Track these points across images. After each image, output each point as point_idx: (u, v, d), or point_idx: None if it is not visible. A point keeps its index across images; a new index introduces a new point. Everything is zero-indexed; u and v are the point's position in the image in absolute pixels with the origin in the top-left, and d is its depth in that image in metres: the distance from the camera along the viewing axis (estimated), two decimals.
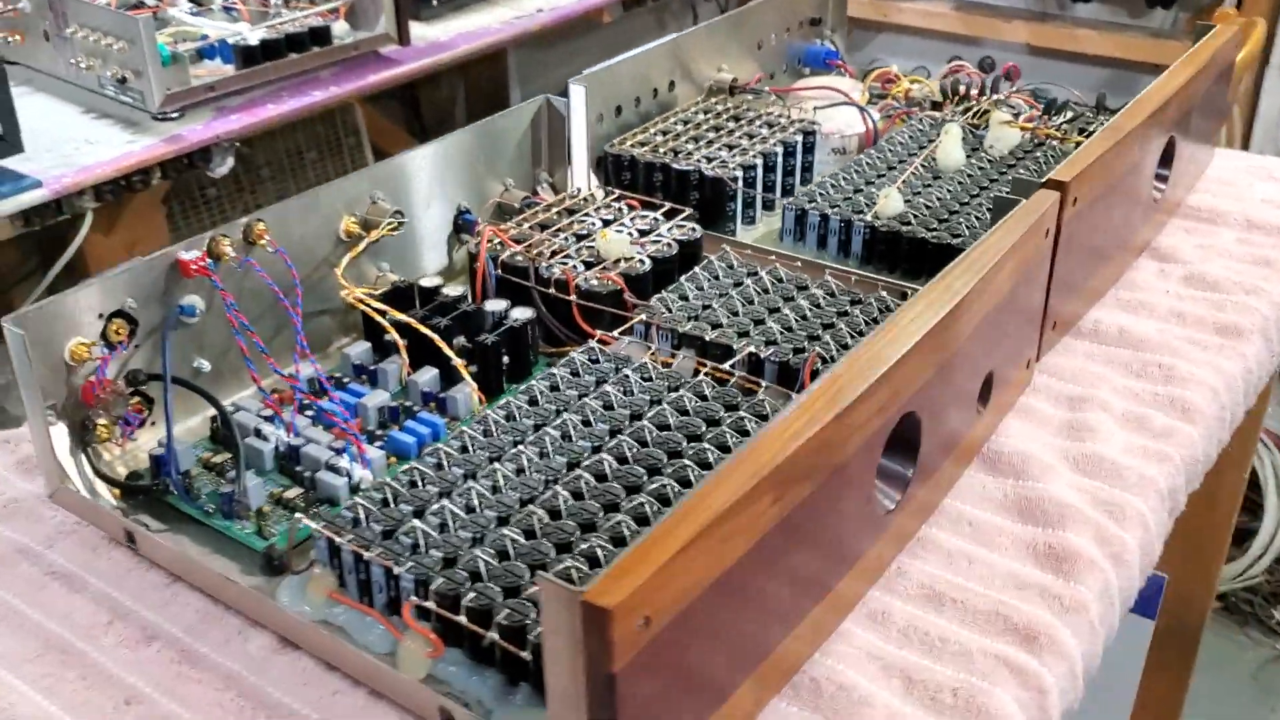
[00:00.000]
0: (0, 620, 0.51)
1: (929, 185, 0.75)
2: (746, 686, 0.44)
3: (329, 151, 1.66)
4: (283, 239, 0.61)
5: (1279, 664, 1.58)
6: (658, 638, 0.37)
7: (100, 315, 0.55)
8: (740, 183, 0.76)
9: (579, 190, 0.74)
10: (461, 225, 0.72)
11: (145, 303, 0.56)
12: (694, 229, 0.69)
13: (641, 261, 0.66)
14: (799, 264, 0.66)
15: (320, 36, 1.22)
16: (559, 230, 0.69)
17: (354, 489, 0.53)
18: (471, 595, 0.45)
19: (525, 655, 0.43)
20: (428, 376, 0.60)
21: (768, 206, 0.79)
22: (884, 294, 0.63)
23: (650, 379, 0.57)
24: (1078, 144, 0.71)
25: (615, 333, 0.61)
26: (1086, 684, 0.51)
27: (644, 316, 0.62)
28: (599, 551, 0.46)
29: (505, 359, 0.61)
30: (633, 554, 0.37)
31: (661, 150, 0.78)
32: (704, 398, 0.55)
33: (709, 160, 0.77)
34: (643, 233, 0.69)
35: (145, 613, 0.51)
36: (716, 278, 0.65)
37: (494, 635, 0.44)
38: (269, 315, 0.61)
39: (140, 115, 1.14)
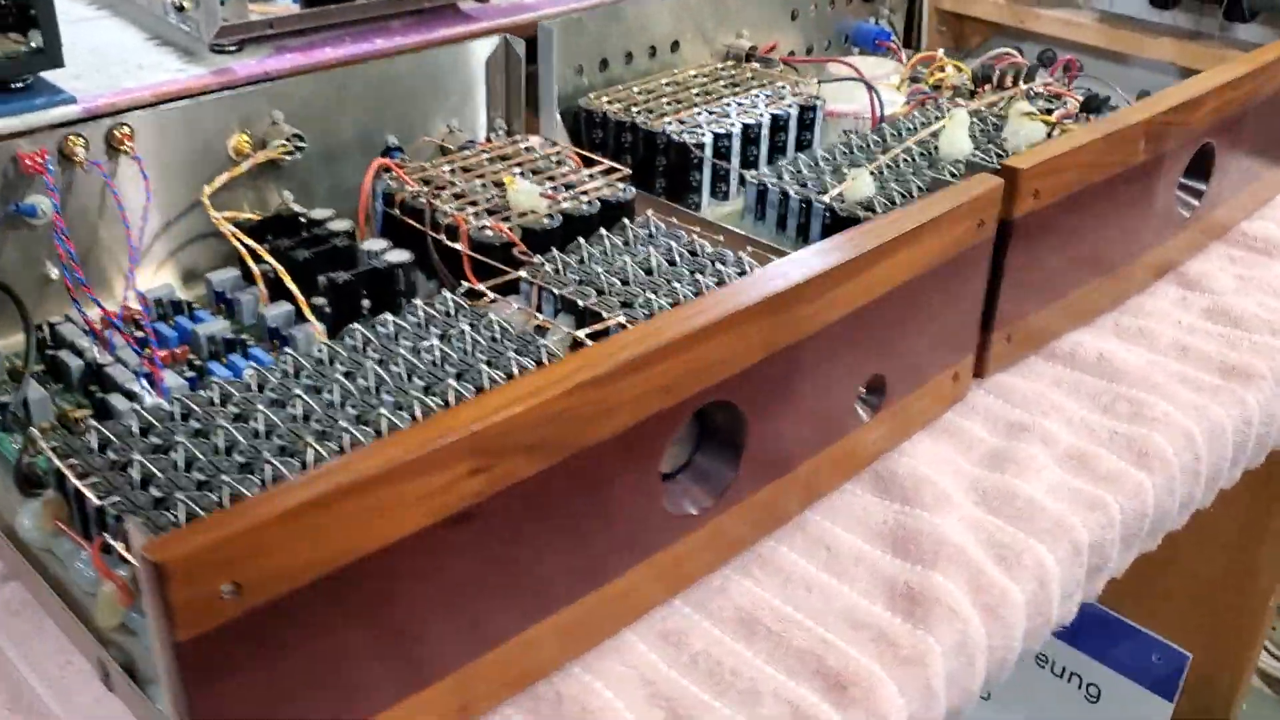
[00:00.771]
0: None
1: (916, 172, 0.66)
2: (440, 687, 0.37)
3: None
4: (155, 150, 0.57)
5: None
6: (256, 615, 0.31)
7: None
8: (707, 151, 0.68)
9: (518, 139, 0.68)
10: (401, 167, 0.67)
11: None
12: (626, 190, 0.63)
13: (550, 217, 0.60)
14: (721, 238, 0.59)
15: None
16: (479, 176, 0.63)
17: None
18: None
19: None
20: (279, 311, 0.55)
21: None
22: None
23: (496, 339, 0.50)
24: None
25: (487, 286, 0.55)
26: None
27: (526, 274, 0.56)
28: None
29: (367, 302, 0.56)
30: (235, 508, 0.31)
31: (635, 110, 0.71)
32: (540, 364, 0.49)
33: (681, 124, 0.70)
34: (568, 187, 0.62)
35: None
36: (626, 244, 0.59)
37: None
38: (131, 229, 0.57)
39: (199, 46, 1.13)
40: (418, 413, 0.44)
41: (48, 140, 0.54)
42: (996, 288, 0.55)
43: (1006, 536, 0.49)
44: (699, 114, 0.71)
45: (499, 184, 0.62)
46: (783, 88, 0.76)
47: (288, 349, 0.50)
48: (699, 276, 0.55)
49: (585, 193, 0.62)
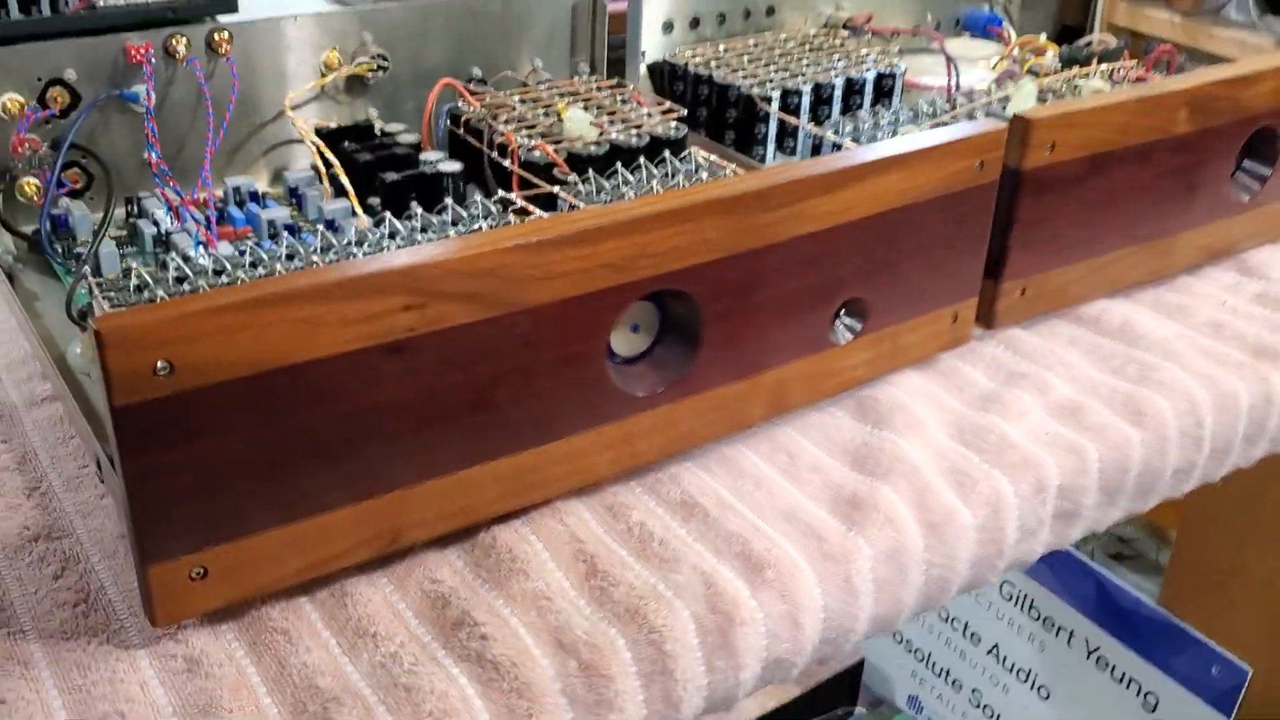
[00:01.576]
0: None
1: None
2: (376, 504, 0.41)
3: None
4: (248, 57, 0.63)
5: None
6: (190, 397, 0.36)
7: (39, 79, 0.59)
8: (774, 105, 0.71)
9: (592, 80, 0.72)
10: (475, 94, 0.72)
11: (88, 78, 0.60)
12: (678, 128, 0.66)
13: (597, 144, 0.63)
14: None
15: None
16: (545, 107, 0.67)
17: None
18: None
19: None
20: (336, 205, 0.60)
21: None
22: None
23: None
24: None
25: (523, 196, 0.59)
26: (821, 646, 0.45)
27: (559, 190, 0.60)
28: None
29: (415, 203, 0.60)
30: (178, 300, 0.36)
31: (715, 65, 0.75)
32: None
33: (754, 79, 0.73)
34: (625, 122, 0.66)
35: None
36: (667, 175, 0.62)
37: None
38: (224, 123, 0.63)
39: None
40: None
41: (154, 36, 0.61)
42: (1005, 237, 0.56)
43: (968, 465, 0.50)
44: (776, 72, 0.74)
45: (559, 115, 0.66)
46: (867, 54, 0.78)
47: (321, 228, 0.55)
48: None
49: (638, 127, 0.66)
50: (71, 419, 0.49)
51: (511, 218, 0.56)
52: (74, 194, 0.61)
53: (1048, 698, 1.00)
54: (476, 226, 0.54)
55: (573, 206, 0.58)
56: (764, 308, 0.48)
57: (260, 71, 0.64)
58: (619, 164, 0.62)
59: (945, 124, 0.68)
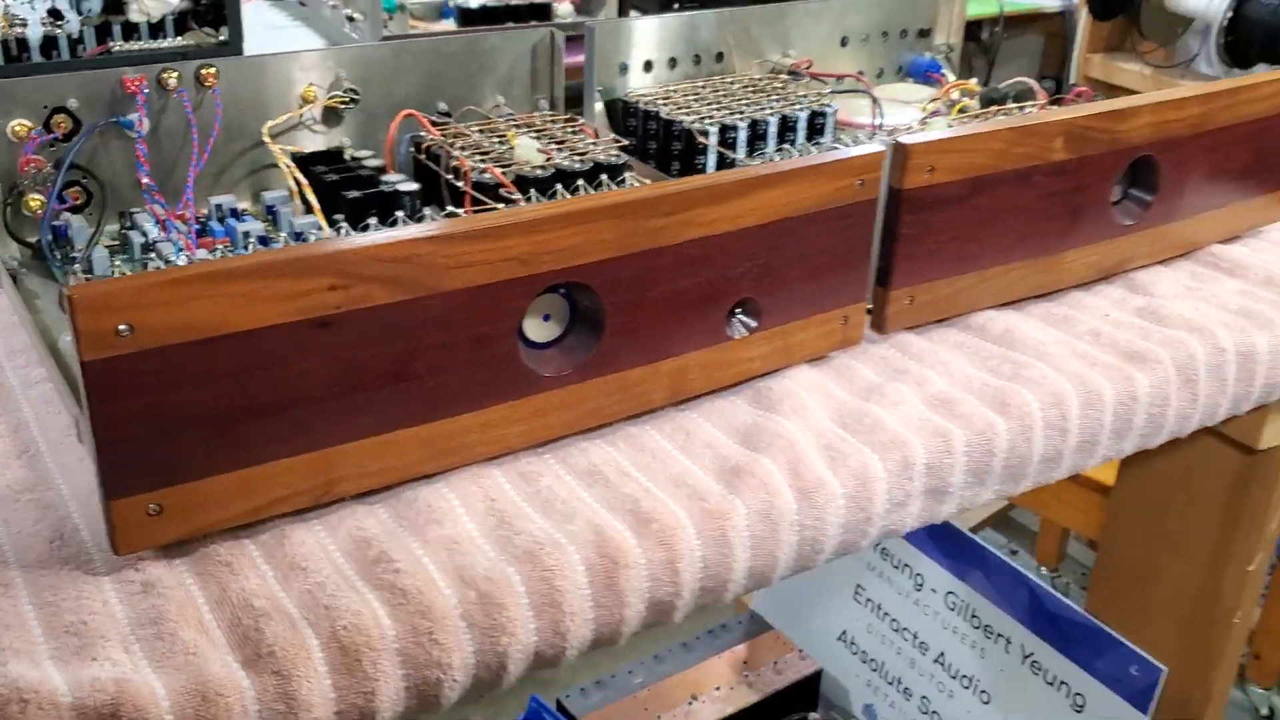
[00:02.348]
0: None
1: None
2: (310, 458, 0.48)
3: None
4: (233, 90, 0.71)
5: None
6: (147, 356, 0.43)
7: (45, 107, 0.67)
8: (712, 139, 0.79)
9: (549, 115, 0.80)
10: (437, 125, 0.80)
11: (89, 106, 0.68)
12: (619, 156, 0.74)
13: (543, 168, 0.71)
14: None
15: (540, 12, 1.33)
16: (499, 136, 0.75)
17: None
18: None
19: None
20: (306, 220, 0.68)
21: None
22: None
23: None
24: None
25: (470, 212, 0.67)
26: (700, 593, 0.51)
27: (502, 207, 0.67)
28: None
29: (374, 219, 0.68)
30: (139, 274, 0.43)
31: (662, 104, 0.82)
32: None
33: (697, 117, 0.80)
34: (572, 150, 0.74)
35: None
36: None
37: None
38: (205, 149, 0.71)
39: None
40: None
41: (148, 70, 0.69)
42: (891, 249, 0.63)
43: (842, 443, 0.57)
44: (717, 110, 0.82)
45: (510, 142, 0.74)
46: (803, 96, 0.85)
47: (288, 239, 0.62)
48: None
49: (583, 154, 0.73)
50: (60, 394, 0.56)
51: None
52: (75, 209, 0.69)
53: (988, 702, 1.05)
54: None
55: None
56: (660, 302, 0.55)
57: (243, 103, 0.72)
58: (559, 185, 0.69)
59: None
